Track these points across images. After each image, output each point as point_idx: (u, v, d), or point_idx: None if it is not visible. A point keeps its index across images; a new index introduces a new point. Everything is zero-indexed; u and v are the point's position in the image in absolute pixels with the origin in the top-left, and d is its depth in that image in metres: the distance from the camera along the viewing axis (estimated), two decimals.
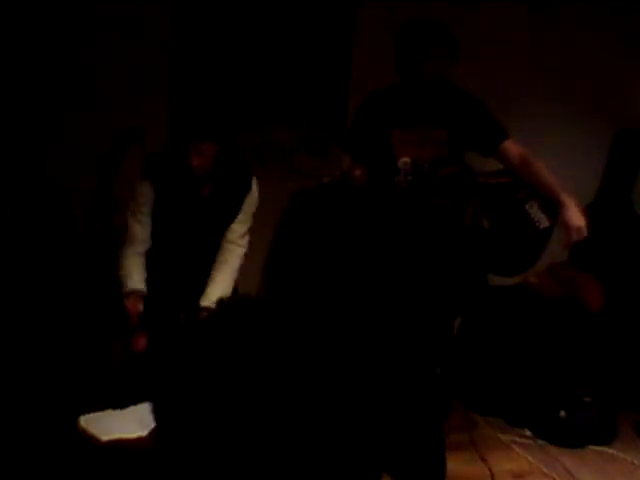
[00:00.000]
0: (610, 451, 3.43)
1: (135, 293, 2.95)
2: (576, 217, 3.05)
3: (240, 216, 3.08)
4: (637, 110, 4.32)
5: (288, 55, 3.93)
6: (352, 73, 4.01)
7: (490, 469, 3.10)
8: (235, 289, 3.12)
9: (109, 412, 2.63)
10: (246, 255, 3.08)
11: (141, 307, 2.96)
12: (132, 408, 2.65)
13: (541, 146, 3.50)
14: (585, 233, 3.05)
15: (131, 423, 2.61)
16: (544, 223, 3.16)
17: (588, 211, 3.29)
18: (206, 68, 3.82)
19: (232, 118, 3.53)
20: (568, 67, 4.23)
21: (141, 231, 3.01)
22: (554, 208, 3.14)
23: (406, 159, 3.09)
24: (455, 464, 3.00)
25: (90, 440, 2.49)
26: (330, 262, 1.46)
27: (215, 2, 3.81)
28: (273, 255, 1.52)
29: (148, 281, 3.03)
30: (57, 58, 3.56)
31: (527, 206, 3.17)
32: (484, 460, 3.16)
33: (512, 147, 3.17)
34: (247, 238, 3.11)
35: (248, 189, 3.08)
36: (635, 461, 3.34)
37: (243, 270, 3.04)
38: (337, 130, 3.89)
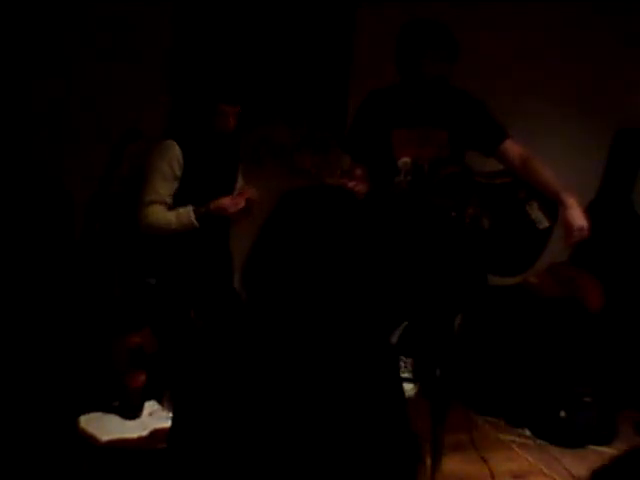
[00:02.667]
0: (610, 451, 3.42)
1: None
2: (578, 217, 3.04)
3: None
4: (637, 110, 4.31)
5: (288, 55, 3.92)
6: (352, 73, 4.01)
7: (490, 469, 3.10)
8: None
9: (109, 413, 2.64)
10: None
11: None
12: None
13: (541, 146, 3.50)
14: (587, 233, 3.05)
15: (131, 423, 2.62)
16: (544, 223, 3.17)
17: (588, 211, 3.29)
18: (206, 69, 3.81)
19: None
20: (568, 67, 4.23)
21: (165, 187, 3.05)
22: (554, 208, 3.14)
23: (406, 159, 3.09)
24: (455, 464, 3.02)
25: (90, 440, 2.49)
26: (315, 264, 1.46)
27: (215, 2, 3.80)
28: (254, 254, 1.52)
29: (160, 271, 3.14)
30: (56, 57, 3.55)
31: (527, 206, 3.17)
32: (484, 460, 3.15)
33: (512, 147, 3.17)
34: None
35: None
36: None
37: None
38: (337, 130, 3.89)
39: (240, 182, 3.37)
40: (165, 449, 1.56)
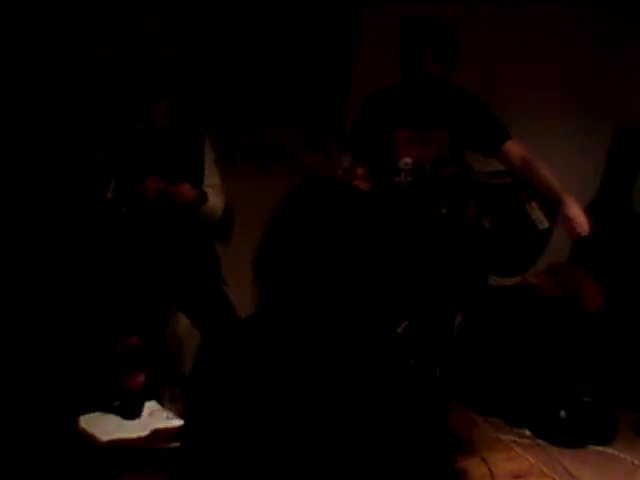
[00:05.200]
0: (610, 451, 3.43)
1: None
2: (577, 212, 3.05)
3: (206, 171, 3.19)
4: (637, 110, 4.32)
5: (288, 55, 3.92)
6: (352, 73, 4.01)
7: (490, 469, 3.09)
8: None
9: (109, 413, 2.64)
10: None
11: None
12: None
13: (541, 146, 3.50)
14: (587, 226, 3.05)
15: (131, 423, 2.62)
16: (544, 224, 3.16)
17: (588, 211, 3.28)
18: (206, 68, 3.81)
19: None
20: (568, 67, 4.23)
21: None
22: (554, 210, 3.14)
23: (408, 159, 3.09)
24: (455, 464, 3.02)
25: (90, 440, 2.49)
26: (324, 256, 1.46)
27: (215, 2, 3.80)
28: (265, 249, 1.52)
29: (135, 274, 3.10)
30: (55, 58, 3.55)
31: (528, 207, 3.16)
32: (484, 460, 3.15)
33: (514, 148, 3.17)
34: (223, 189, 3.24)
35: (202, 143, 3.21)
36: (635, 461, 3.34)
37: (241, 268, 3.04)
38: (337, 130, 3.89)
39: (212, 176, 3.25)
40: (177, 448, 1.56)
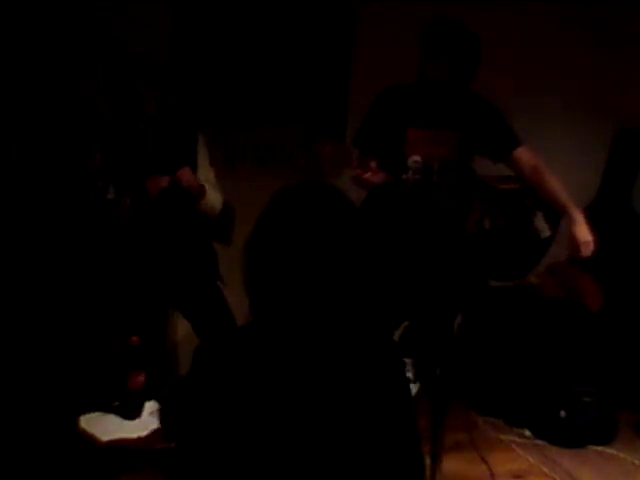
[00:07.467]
0: (610, 451, 3.43)
1: None
2: (584, 233, 3.05)
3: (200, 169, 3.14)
4: (637, 110, 4.32)
5: (288, 55, 3.92)
6: (352, 73, 4.01)
7: (490, 469, 3.09)
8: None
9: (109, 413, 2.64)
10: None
11: None
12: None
13: (541, 146, 3.50)
14: (592, 249, 3.04)
15: (131, 423, 2.62)
16: (546, 233, 3.16)
17: (588, 211, 3.28)
18: (206, 69, 3.82)
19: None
20: (568, 67, 4.23)
21: None
22: (557, 218, 3.13)
23: (417, 157, 3.07)
24: (455, 464, 3.01)
25: (90, 440, 2.49)
26: (311, 262, 1.45)
27: (216, 2, 3.80)
28: (251, 257, 1.51)
29: (131, 276, 3.06)
30: (54, 61, 3.55)
31: (532, 214, 3.16)
32: (484, 460, 3.15)
33: (524, 155, 3.16)
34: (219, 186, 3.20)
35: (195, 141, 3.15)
36: (635, 461, 3.34)
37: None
38: (337, 130, 3.89)
39: (206, 174, 3.19)
40: (175, 449, 1.56)
